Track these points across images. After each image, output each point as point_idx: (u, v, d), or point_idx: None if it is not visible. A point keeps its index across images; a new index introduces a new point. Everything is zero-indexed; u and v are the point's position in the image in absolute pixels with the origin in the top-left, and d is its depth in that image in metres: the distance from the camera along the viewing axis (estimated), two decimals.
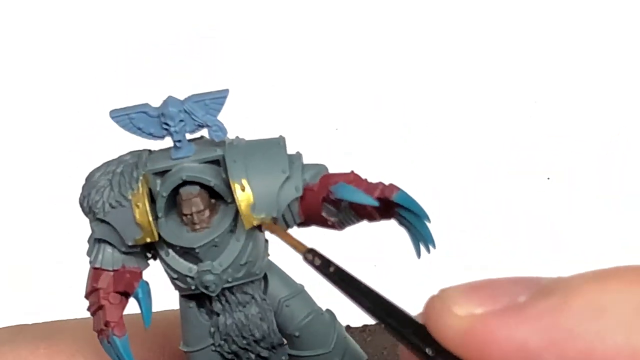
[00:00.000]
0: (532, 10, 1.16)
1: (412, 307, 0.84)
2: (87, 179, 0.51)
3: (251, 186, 0.49)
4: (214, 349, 0.52)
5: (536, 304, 0.32)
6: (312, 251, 0.43)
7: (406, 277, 0.83)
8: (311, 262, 0.42)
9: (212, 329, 0.52)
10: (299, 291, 0.54)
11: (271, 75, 0.98)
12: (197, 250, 0.49)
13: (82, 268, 0.91)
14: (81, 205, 0.51)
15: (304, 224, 0.52)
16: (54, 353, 0.59)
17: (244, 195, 0.49)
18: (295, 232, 0.54)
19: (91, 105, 1.11)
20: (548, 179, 1.02)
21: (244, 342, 0.52)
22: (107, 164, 0.51)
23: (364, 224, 0.80)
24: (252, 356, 0.53)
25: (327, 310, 0.55)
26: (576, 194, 1.02)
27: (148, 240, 0.49)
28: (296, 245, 0.44)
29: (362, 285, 0.39)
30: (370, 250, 0.68)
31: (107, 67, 1.16)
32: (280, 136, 0.52)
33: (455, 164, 1.00)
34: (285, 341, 0.53)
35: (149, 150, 0.52)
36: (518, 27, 1.15)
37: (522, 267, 0.92)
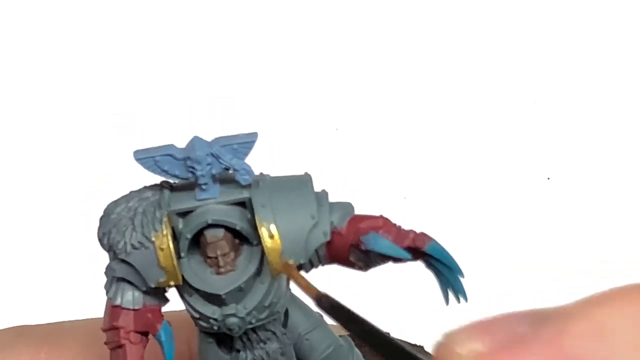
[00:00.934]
0: (532, 11, 1.15)
1: (413, 306, 0.84)
2: (106, 214, 0.50)
3: (279, 232, 0.49)
4: None
5: (536, 335, 0.31)
6: (325, 296, 0.41)
7: (406, 278, 0.83)
8: (324, 308, 0.41)
9: None
10: (318, 323, 0.53)
11: (271, 75, 0.97)
12: (222, 296, 0.49)
13: (83, 268, 0.91)
14: (100, 241, 0.50)
15: (331, 263, 0.52)
16: (56, 358, 0.59)
17: (272, 242, 0.48)
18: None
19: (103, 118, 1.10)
20: (548, 178, 1.02)
21: None
22: (127, 198, 0.50)
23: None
24: None
25: (345, 338, 0.55)
26: (576, 194, 1.02)
27: (172, 283, 0.49)
28: (309, 289, 0.43)
29: (375, 330, 0.38)
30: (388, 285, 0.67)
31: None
32: (307, 174, 0.51)
33: (455, 164, 0.99)
34: None
35: (171, 186, 0.50)
36: (518, 27, 1.14)
37: (522, 266, 0.93)
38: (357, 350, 0.55)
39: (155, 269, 0.48)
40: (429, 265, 0.50)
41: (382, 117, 0.51)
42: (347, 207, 0.51)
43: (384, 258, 0.50)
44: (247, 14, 1.15)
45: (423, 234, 0.49)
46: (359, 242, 0.49)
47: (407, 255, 0.48)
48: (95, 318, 0.61)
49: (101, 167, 1.03)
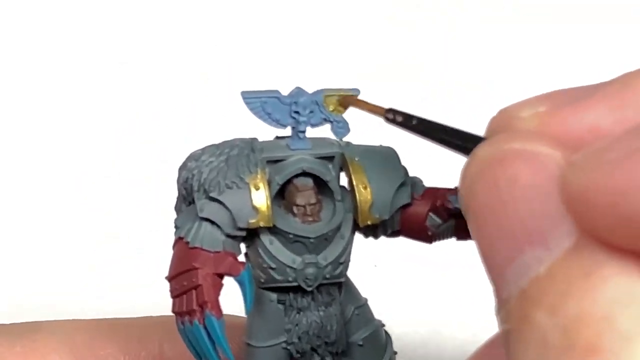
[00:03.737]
0: (532, 10, 1.18)
1: (412, 306, 0.86)
2: (193, 157, 0.51)
3: (371, 186, 0.51)
4: (285, 346, 0.52)
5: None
6: (392, 110, 0.44)
7: (406, 278, 0.84)
8: (393, 121, 0.43)
9: (290, 326, 0.52)
10: (365, 301, 0.55)
11: (271, 75, 0.99)
12: (312, 241, 0.50)
13: (60, 269, 0.90)
14: (185, 182, 0.51)
15: (398, 232, 0.54)
16: (30, 351, 0.58)
17: (364, 193, 0.51)
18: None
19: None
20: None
21: (317, 342, 0.52)
22: (215, 146, 0.52)
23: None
24: (317, 359, 0.53)
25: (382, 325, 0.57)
26: None
27: (261, 224, 0.49)
28: (375, 109, 0.45)
29: (447, 129, 0.40)
30: (370, 250, 0.70)
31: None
32: (391, 147, 0.54)
33: (455, 164, 1.01)
34: (342, 350, 0.54)
35: (255, 138, 0.52)
36: (518, 27, 1.16)
37: None
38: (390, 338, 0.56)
39: (248, 209, 0.49)
40: None
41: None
42: (420, 180, 0.54)
43: (456, 227, 0.53)
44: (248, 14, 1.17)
45: None
46: (445, 202, 0.52)
47: None
48: (71, 320, 0.62)
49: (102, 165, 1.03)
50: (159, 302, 0.59)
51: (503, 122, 0.34)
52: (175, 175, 0.53)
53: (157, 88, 1.09)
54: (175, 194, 0.53)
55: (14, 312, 0.66)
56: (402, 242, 0.86)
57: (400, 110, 0.43)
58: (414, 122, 0.42)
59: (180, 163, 0.52)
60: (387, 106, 0.44)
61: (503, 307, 0.30)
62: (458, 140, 0.38)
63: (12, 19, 1.17)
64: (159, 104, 1.05)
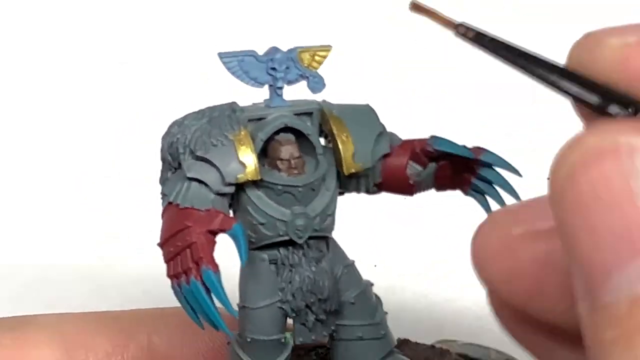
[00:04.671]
0: (532, 10, 1.19)
1: (412, 306, 0.86)
2: (174, 124, 0.52)
3: (352, 136, 0.52)
4: (279, 305, 0.53)
5: None
6: (463, 25, 0.41)
7: (406, 277, 0.84)
8: (464, 35, 0.41)
9: (283, 284, 0.52)
10: (352, 262, 0.55)
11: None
12: (300, 189, 0.51)
13: (60, 269, 0.91)
14: (170, 147, 0.51)
15: (379, 186, 0.55)
16: (20, 343, 0.59)
17: (346, 142, 0.52)
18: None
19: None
20: (548, 179, 1.05)
21: (311, 299, 0.53)
22: (195, 112, 0.52)
23: (366, 223, 0.82)
24: (312, 318, 0.53)
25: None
26: None
27: (249, 178, 0.50)
28: (446, 21, 0.43)
29: (518, 49, 0.38)
30: (370, 250, 0.69)
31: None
32: (367, 104, 0.55)
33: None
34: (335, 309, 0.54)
35: (234, 102, 0.53)
36: (518, 27, 1.16)
37: None
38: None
39: (235, 164, 0.50)
40: (478, 182, 0.54)
41: (381, 117, 0.54)
42: (396, 135, 0.56)
43: (436, 174, 0.54)
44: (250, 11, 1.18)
45: (478, 147, 0.53)
46: (425, 147, 0.53)
47: (471, 154, 0.52)
48: (60, 313, 0.63)
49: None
50: (159, 301, 0.60)
51: (587, 49, 0.32)
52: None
53: (157, 88, 1.09)
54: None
55: (11, 309, 0.66)
56: (403, 242, 0.86)
57: (473, 27, 0.41)
58: (487, 39, 0.40)
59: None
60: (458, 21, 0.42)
61: (602, 311, 0.28)
62: (532, 64, 0.37)
63: (12, 19, 1.18)
64: (158, 104, 1.06)
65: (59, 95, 1.11)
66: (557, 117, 1.13)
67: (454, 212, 0.97)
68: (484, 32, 0.40)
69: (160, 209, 0.52)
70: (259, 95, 0.54)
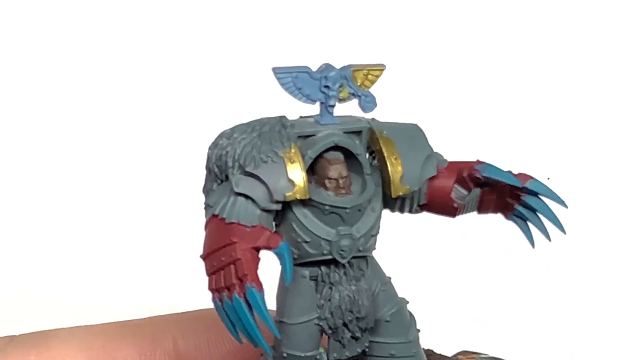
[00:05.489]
0: (531, 10, 1.18)
1: (412, 305, 0.86)
2: (223, 136, 0.52)
3: (401, 158, 0.52)
4: (317, 322, 0.53)
5: None
6: None
7: (406, 277, 0.84)
8: None
9: (322, 302, 0.52)
10: (389, 279, 0.55)
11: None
12: (347, 211, 0.51)
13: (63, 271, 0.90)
14: (219, 159, 0.51)
15: (423, 207, 0.55)
16: (45, 357, 0.59)
17: (395, 164, 0.52)
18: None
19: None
20: (548, 179, 1.04)
21: (349, 317, 0.53)
22: (245, 125, 0.52)
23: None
24: (348, 335, 0.53)
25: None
26: (577, 193, 1.03)
27: (298, 197, 0.50)
28: None
29: None
30: (377, 258, 0.68)
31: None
32: (416, 124, 0.55)
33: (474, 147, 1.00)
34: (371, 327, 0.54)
35: (284, 116, 0.53)
36: (517, 27, 1.16)
37: (522, 266, 0.94)
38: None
39: (284, 182, 0.49)
40: (522, 209, 0.54)
41: (381, 116, 0.54)
42: (442, 155, 0.55)
43: (481, 199, 0.54)
44: (253, 12, 1.17)
45: (524, 174, 0.53)
46: (472, 172, 0.53)
47: (518, 182, 0.52)
48: (84, 325, 0.63)
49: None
50: (163, 301, 0.59)
51: None
52: (178, 174, 0.53)
53: (157, 88, 1.08)
54: (175, 192, 0.53)
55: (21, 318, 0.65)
56: (403, 241, 0.85)
57: None
58: None
59: (181, 164, 0.52)
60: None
61: None
62: None
63: (13, 19, 1.17)
64: (159, 104, 1.05)
65: (59, 96, 1.10)
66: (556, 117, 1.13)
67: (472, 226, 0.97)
68: None
69: (202, 218, 0.51)
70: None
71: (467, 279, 0.90)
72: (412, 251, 0.88)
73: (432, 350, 0.63)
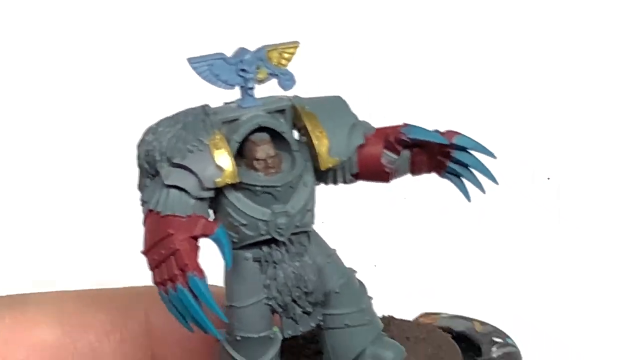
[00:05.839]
0: (531, 10, 1.19)
1: (412, 306, 0.87)
2: (149, 131, 0.52)
3: (326, 130, 0.53)
4: (266, 302, 0.53)
5: None
6: None
7: (406, 277, 0.85)
8: None
9: (268, 281, 0.53)
10: (334, 251, 0.56)
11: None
12: (279, 189, 0.52)
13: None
14: (146, 155, 0.52)
15: (356, 176, 0.56)
16: (20, 322, 0.59)
17: (320, 137, 0.53)
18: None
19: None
20: (548, 179, 1.03)
21: (297, 293, 0.53)
22: (169, 118, 0.53)
23: (366, 223, 0.83)
24: (299, 311, 0.54)
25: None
26: (576, 193, 1.04)
27: (228, 181, 0.50)
28: None
29: None
30: (370, 250, 0.70)
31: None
32: (338, 96, 0.56)
33: None
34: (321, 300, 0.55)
35: (207, 104, 0.53)
36: (517, 27, 1.17)
37: (522, 266, 0.94)
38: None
39: (212, 169, 0.50)
40: (454, 166, 0.54)
41: (382, 117, 0.55)
42: (369, 123, 0.56)
43: (412, 160, 0.55)
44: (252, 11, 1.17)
45: (450, 130, 0.54)
46: (398, 135, 0.54)
47: (445, 140, 0.53)
48: (61, 291, 0.63)
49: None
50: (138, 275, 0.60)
51: None
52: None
53: (158, 88, 1.09)
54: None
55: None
56: (402, 241, 0.86)
57: None
58: None
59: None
60: None
61: None
62: None
63: (13, 19, 1.17)
64: (160, 105, 1.06)
65: (59, 96, 1.10)
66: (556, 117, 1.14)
67: (454, 211, 0.96)
68: None
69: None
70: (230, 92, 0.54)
71: (421, 242, 0.90)
72: (361, 220, 0.88)
73: (392, 317, 0.63)
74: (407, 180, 0.91)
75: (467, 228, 0.95)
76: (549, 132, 1.08)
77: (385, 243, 0.81)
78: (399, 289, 0.71)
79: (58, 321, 0.60)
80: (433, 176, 0.56)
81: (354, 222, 0.82)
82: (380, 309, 0.58)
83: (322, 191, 0.56)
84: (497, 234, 0.97)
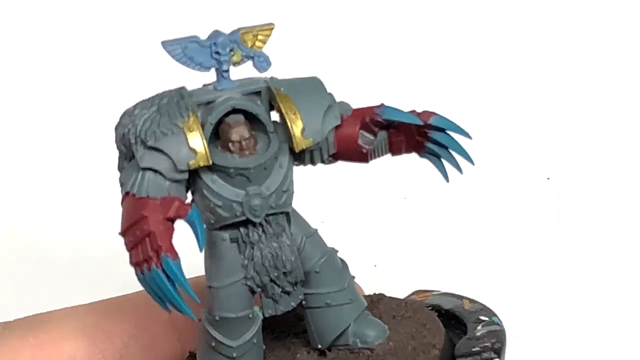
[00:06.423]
0: (531, 10, 1.18)
1: (389, 257, 0.86)
2: (126, 114, 0.53)
3: (300, 112, 0.53)
4: (244, 282, 0.54)
5: None
6: None
7: (406, 277, 0.84)
8: None
9: (246, 261, 0.54)
10: (315, 231, 0.57)
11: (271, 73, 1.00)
12: (251, 170, 0.52)
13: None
14: (122, 138, 0.52)
15: (334, 156, 0.56)
16: (44, 341, 0.60)
17: (294, 119, 0.53)
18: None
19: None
20: (548, 179, 1.02)
21: (275, 273, 0.54)
22: (145, 100, 0.53)
23: (366, 223, 0.82)
24: (278, 290, 0.55)
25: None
26: (576, 193, 1.03)
27: (201, 164, 0.51)
28: None
29: None
30: (370, 250, 0.69)
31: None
32: (315, 77, 0.56)
33: None
34: (301, 280, 0.55)
35: (183, 87, 0.54)
36: (518, 27, 1.17)
37: (522, 266, 0.94)
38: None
39: (186, 151, 0.51)
40: (431, 146, 0.54)
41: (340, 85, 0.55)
42: (347, 104, 0.56)
43: (389, 140, 0.55)
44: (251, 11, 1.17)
45: (426, 111, 0.54)
46: (373, 116, 0.54)
47: (420, 121, 0.53)
48: (81, 305, 0.63)
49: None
50: None
51: None
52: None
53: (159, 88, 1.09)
54: None
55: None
56: (402, 241, 0.86)
57: None
58: None
59: None
60: None
61: None
62: None
63: (13, 19, 1.18)
64: (142, 87, 1.06)
65: (59, 96, 1.11)
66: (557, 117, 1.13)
67: (454, 212, 0.95)
68: None
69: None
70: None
71: (421, 242, 0.90)
72: (361, 220, 0.88)
73: (382, 295, 0.64)
74: (407, 181, 0.92)
75: (468, 228, 0.95)
76: (549, 132, 1.07)
77: (385, 243, 0.81)
78: (399, 289, 0.71)
79: (82, 334, 0.60)
80: (433, 176, 0.56)
81: (354, 222, 0.82)
82: None
83: (322, 192, 0.56)
84: (498, 234, 0.96)
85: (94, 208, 0.98)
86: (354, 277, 0.57)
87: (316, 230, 0.56)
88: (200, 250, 0.51)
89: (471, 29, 1.16)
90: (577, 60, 1.13)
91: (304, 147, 0.53)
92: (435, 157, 0.56)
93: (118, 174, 0.54)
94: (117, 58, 1.14)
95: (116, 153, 0.54)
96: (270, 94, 0.54)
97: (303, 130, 0.53)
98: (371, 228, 0.87)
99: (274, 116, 0.55)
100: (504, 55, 1.14)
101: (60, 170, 1.03)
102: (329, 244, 0.57)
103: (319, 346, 0.56)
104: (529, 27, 1.15)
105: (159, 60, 0.55)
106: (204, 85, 0.54)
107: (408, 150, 0.56)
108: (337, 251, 0.57)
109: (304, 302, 0.56)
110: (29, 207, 1.00)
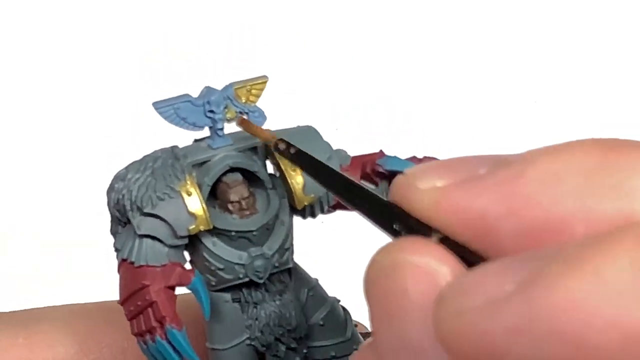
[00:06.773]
0: (532, 10, 1.17)
1: (349, 296, 0.84)
2: (118, 178, 0.51)
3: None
4: (248, 342, 0.53)
5: (494, 175, 0.31)
6: (282, 141, 0.44)
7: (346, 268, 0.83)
8: (281, 151, 0.44)
9: (249, 322, 0.52)
10: (316, 281, 0.55)
11: (271, 75, 1.00)
12: (255, 233, 0.51)
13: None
14: (117, 204, 0.51)
15: (334, 207, 0.54)
16: (34, 343, 0.58)
17: (294, 175, 0.51)
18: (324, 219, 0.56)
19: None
20: None
21: (280, 331, 0.53)
22: (138, 162, 0.52)
23: (366, 223, 0.81)
24: (283, 348, 0.53)
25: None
26: None
27: (202, 228, 0.49)
28: (266, 136, 0.46)
29: (329, 170, 0.40)
30: (370, 250, 0.68)
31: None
32: (310, 126, 0.54)
33: None
34: (305, 334, 0.54)
35: (176, 146, 0.52)
36: (518, 27, 1.16)
37: None
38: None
39: (185, 216, 0.49)
40: None
41: (382, 116, 0.53)
42: (345, 151, 0.55)
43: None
44: (247, 13, 1.17)
45: (428, 157, 0.52)
46: (375, 167, 0.53)
47: None
48: (74, 304, 0.62)
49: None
50: None
51: (403, 189, 0.33)
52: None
53: (159, 89, 1.10)
54: None
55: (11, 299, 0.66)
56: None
57: (290, 143, 0.43)
58: (292, 151, 0.43)
59: None
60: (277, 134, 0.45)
61: None
62: (339, 187, 0.38)
63: (14, 19, 1.17)
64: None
65: (60, 96, 1.11)
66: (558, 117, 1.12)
67: None
68: (304, 151, 0.42)
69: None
70: None
71: None
72: (361, 220, 0.87)
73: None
74: None
75: None
76: (555, 134, 1.06)
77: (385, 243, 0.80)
78: None
79: (73, 341, 0.59)
80: None
81: (354, 222, 0.80)
82: None
83: None
84: None
85: (94, 208, 0.98)
86: (356, 325, 0.56)
87: (317, 280, 0.55)
88: (207, 319, 0.51)
89: (471, 29, 1.15)
90: (583, 63, 1.12)
91: (306, 204, 0.52)
92: None
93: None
94: (117, 58, 1.14)
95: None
96: (266, 148, 0.52)
97: (304, 186, 0.51)
98: (371, 228, 0.87)
99: (269, 167, 0.54)
100: (511, 58, 1.13)
101: (60, 170, 1.03)
102: (329, 244, 0.55)
103: None
104: (535, 30, 1.15)
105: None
106: (195, 141, 0.53)
107: None
108: (339, 300, 0.56)
109: (307, 355, 0.55)
110: (29, 207, 1.01)
